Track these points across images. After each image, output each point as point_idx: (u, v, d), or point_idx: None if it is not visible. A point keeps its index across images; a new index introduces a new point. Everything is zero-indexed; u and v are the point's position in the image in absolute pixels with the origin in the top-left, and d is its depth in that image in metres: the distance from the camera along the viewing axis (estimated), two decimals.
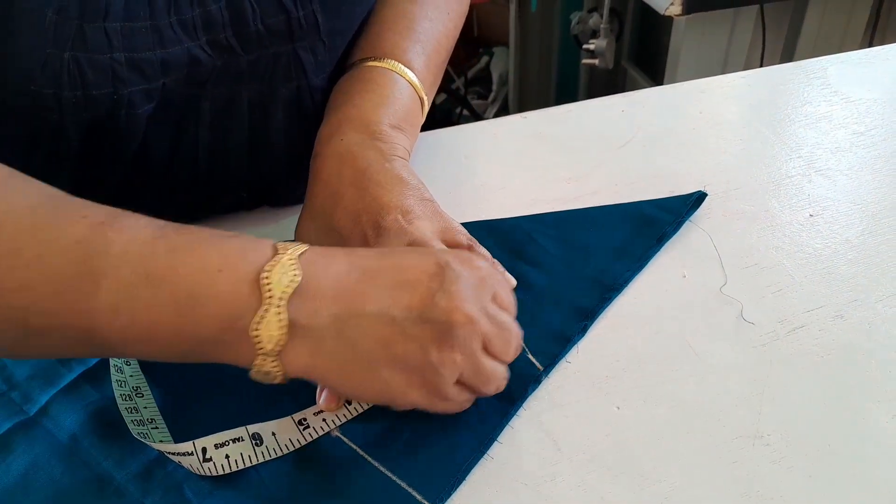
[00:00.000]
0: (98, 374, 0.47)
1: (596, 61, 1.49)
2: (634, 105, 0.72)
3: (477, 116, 2.05)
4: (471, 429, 0.44)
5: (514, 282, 0.47)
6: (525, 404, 0.45)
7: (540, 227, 0.57)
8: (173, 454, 0.42)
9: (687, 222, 0.57)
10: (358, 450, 0.43)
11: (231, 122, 0.52)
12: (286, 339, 0.37)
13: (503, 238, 0.56)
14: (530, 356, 0.47)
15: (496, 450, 0.43)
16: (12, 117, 0.44)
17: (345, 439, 0.43)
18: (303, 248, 0.39)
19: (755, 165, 0.63)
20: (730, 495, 0.40)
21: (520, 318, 0.49)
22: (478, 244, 0.48)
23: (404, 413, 0.44)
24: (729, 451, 0.42)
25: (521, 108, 2.01)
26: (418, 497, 0.40)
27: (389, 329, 0.38)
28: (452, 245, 0.46)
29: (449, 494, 0.41)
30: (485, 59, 2.16)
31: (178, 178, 0.54)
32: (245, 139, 0.54)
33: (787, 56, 1.40)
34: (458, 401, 0.42)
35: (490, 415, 0.44)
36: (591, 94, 1.80)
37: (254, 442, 0.43)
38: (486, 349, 0.40)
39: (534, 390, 0.46)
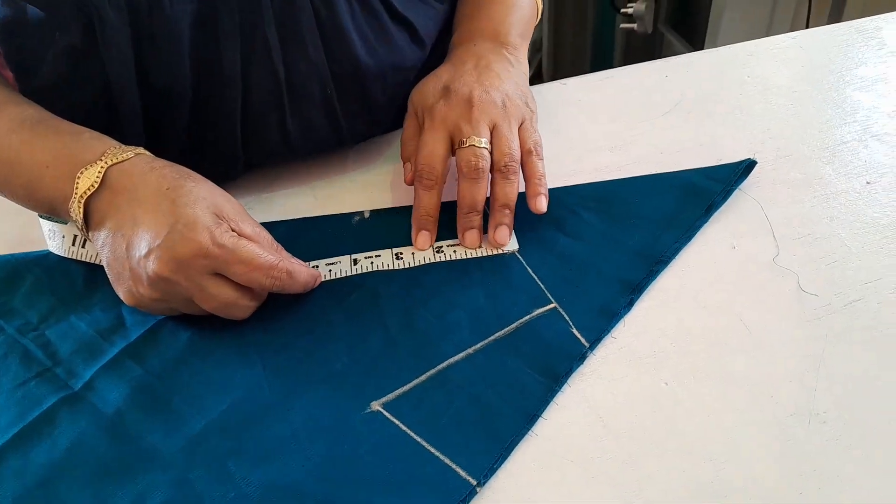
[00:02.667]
0: (139, 349, 0.47)
1: (634, 25, 1.44)
2: (678, 70, 0.69)
3: None
4: (515, 405, 0.43)
5: (263, 260, 0.46)
6: (570, 380, 0.44)
7: (581, 199, 0.56)
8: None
9: (735, 191, 0.55)
10: (401, 425, 0.42)
11: (296, 14, 0.52)
12: (86, 226, 0.47)
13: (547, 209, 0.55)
14: (575, 332, 0.46)
15: (541, 426, 0.42)
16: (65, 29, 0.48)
17: (387, 415, 0.43)
18: (125, 157, 0.47)
19: (807, 131, 0.60)
20: (784, 475, 0.39)
21: (563, 292, 0.48)
22: (538, 154, 0.54)
23: (448, 390, 0.44)
24: (783, 428, 0.41)
25: (555, 75, 1.97)
26: (462, 473, 0.40)
27: (120, 251, 0.46)
28: (520, 141, 0.53)
29: (494, 471, 0.40)
30: None
31: (256, 90, 0.54)
32: (314, 26, 0.53)
33: (835, 17, 1.34)
34: (198, 312, 0.47)
35: (535, 391, 0.43)
36: (628, 60, 1.76)
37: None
38: (198, 304, 0.46)
39: (579, 366, 0.45)
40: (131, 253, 0.45)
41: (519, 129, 0.54)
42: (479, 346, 0.46)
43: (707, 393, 0.43)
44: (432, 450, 0.41)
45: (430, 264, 0.52)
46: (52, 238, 0.53)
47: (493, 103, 0.53)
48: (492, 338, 0.46)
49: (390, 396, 0.44)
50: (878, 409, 0.41)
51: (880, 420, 0.41)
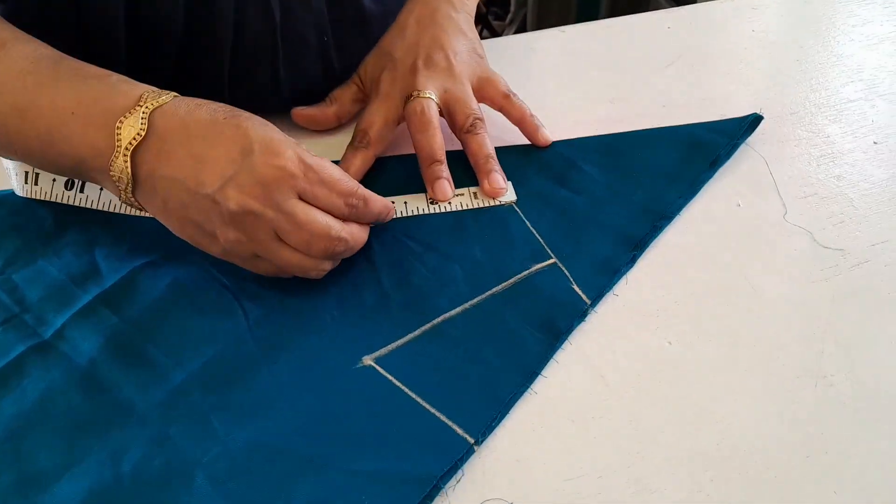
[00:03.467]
0: (115, 296, 0.44)
1: None
2: (681, 22, 0.67)
3: (495, 36, 1.96)
4: (514, 362, 0.41)
5: (346, 184, 0.43)
6: (570, 338, 0.42)
7: (582, 153, 0.53)
8: None
9: (741, 147, 0.53)
10: (394, 381, 0.40)
11: None
12: (132, 181, 0.41)
13: (542, 164, 0.53)
14: (576, 288, 0.44)
15: (541, 384, 0.40)
16: None
17: (380, 370, 0.41)
18: (164, 100, 0.41)
19: (813, 88, 0.59)
20: (791, 437, 0.38)
21: (563, 247, 0.46)
22: (515, 95, 0.54)
23: (443, 345, 0.42)
24: (789, 390, 0.40)
25: (539, 27, 1.92)
26: (459, 431, 0.38)
27: (186, 197, 0.41)
28: (488, 94, 0.53)
29: (492, 429, 0.39)
30: None
31: (251, 33, 0.51)
32: None
33: None
34: (267, 270, 0.43)
35: (534, 348, 0.42)
36: (614, 15, 1.72)
37: None
38: (284, 241, 0.41)
39: (579, 324, 0.43)
40: (202, 192, 0.40)
41: (478, 81, 0.53)
42: (475, 300, 0.44)
43: (711, 353, 0.41)
44: (428, 406, 0.39)
45: (424, 216, 0.49)
46: (14, 177, 0.49)
47: (437, 67, 0.52)
48: (489, 292, 0.44)
49: (383, 351, 0.42)
50: (884, 371, 0.40)
51: (887, 383, 0.40)
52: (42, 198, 0.49)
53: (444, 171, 0.50)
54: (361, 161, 0.51)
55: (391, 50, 0.53)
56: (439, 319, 0.43)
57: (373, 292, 0.45)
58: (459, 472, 0.37)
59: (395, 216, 0.49)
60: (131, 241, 0.47)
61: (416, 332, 0.43)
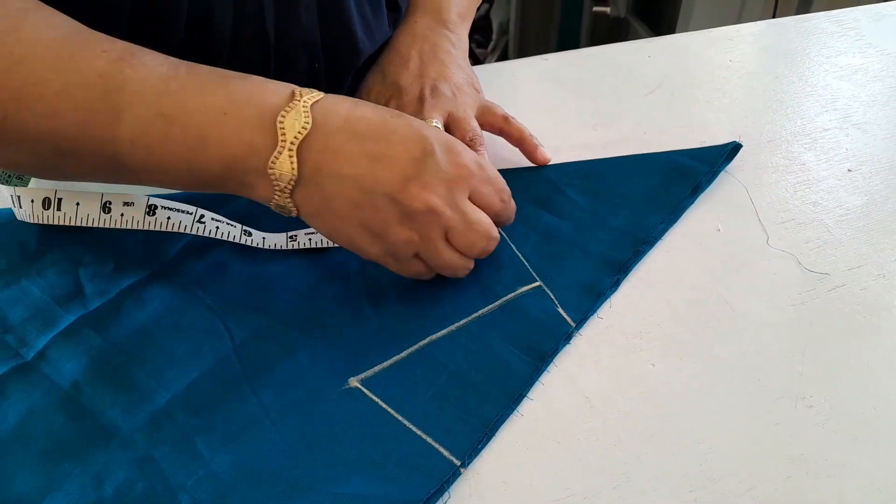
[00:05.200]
0: (99, 317, 0.44)
1: (607, 9, 1.44)
2: (661, 51, 0.68)
3: (478, 63, 1.99)
4: (500, 384, 0.41)
5: (500, 182, 0.45)
6: (556, 360, 0.43)
7: (566, 177, 0.54)
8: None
9: (720, 174, 0.54)
10: (380, 402, 0.40)
11: None
12: (294, 180, 0.40)
13: (527, 188, 0.53)
14: (561, 311, 0.45)
15: (527, 407, 0.41)
16: None
17: (366, 391, 0.41)
18: (317, 96, 0.41)
19: (789, 118, 0.60)
20: (772, 458, 0.38)
21: (547, 270, 0.47)
22: (513, 118, 0.55)
23: (429, 367, 0.42)
24: (770, 412, 0.40)
25: (521, 56, 1.95)
26: (446, 453, 0.38)
27: (359, 196, 0.40)
28: (487, 120, 0.55)
29: (478, 451, 0.39)
30: (485, 6, 2.09)
31: (245, 51, 0.51)
32: None
33: (804, 10, 1.36)
34: (417, 271, 0.44)
35: (519, 371, 0.42)
36: (593, 44, 1.75)
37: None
38: (450, 240, 0.42)
39: (564, 346, 0.43)
40: (379, 191, 0.39)
41: (479, 109, 0.55)
42: (461, 323, 0.44)
43: (694, 375, 0.42)
44: (414, 429, 0.39)
45: None
46: (17, 204, 0.49)
47: (443, 97, 0.53)
48: (475, 315, 0.45)
49: (369, 372, 0.42)
50: (862, 393, 0.41)
51: (865, 404, 0.40)
52: (68, 223, 0.47)
53: None
54: None
55: (397, 80, 0.55)
56: (425, 341, 0.43)
57: (358, 314, 0.45)
58: (446, 494, 0.37)
59: None
60: (116, 262, 0.47)
61: (403, 354, 0.43)
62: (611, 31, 1.71)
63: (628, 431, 0.39)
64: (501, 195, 0.44)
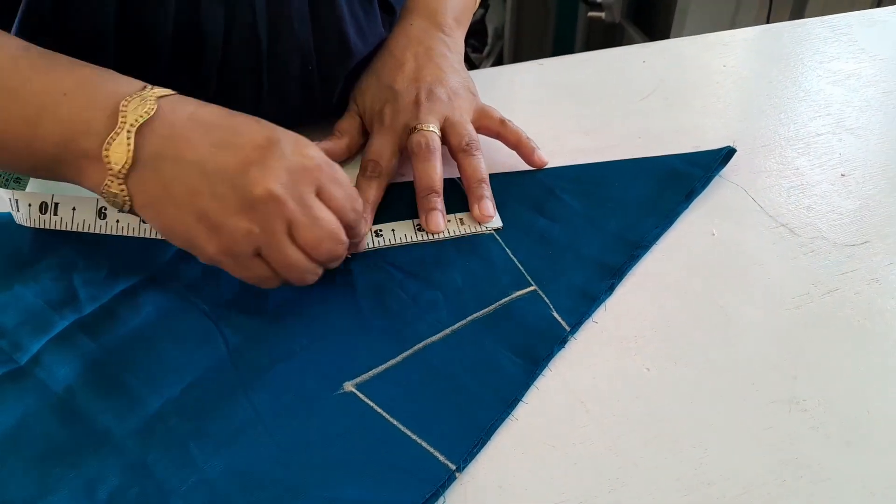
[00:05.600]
0: (93, 322, 0.44)
1: (602, 14, 1.44)
2: (655, 56, 0.69)
3: (473, 69, 1.99)
4: (495, 388, 0.41)
5: (352, 191, 0.43)
6: (551, 364, 0.43)
7: (560, 181, 0.54)
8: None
9: (714, 178, 0.54)
10: (375, 407, 0.40)
11: None
12: (130, 162, 0.39)
13: (522, 192, 0.53)
14: (556, 315, 0.45)
15: (522, 411, 0.41)
16: None
17: (361, 396, 0.41)
18: (169, 92, 0.41)
19: (783, 122, 0.60)
20: (766, 461, 0.38)
21: (542, 275, 0.47)
22: (510, 122, 0.55)
23: (424, 371, 0.42)
24: (764, 415, 0.40)
25: (516, 61, 1.95)
26: (441, 458, 0.38)
27: (200, 181, 0.39)
28: (484, 123, 0.55)
29: (473, 456, 0.39)
30: (480, 11, 2.10)
31: (236, 56, 0.51)
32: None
33: (797, 16, 1.36)
34: (259, 274, 0.41)
35: (514, 375, 0.42)
36: (588, 49, 1.75)
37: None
38: (294, 237, 0.40)
39: (559, 350, 0.43)
40: (221, 176, 0.39)
41: (475, 113, 0.55)
42: (456, 326, 0.44)
43: (689, 379, 0.42)
44: (409, 433, 0.39)
45: (405, 245, 0.50)
46: (15, 208, 0.49)
47: (439, 101, 0.53)
48: (470, 318, 0.45)
49: (364, 377, 0.42)
50: (856, 397, 0.41)
51: (858, 408, 0.40)
52: (64, 228, 0.48)
53: (440, 203, 0.51)
54: (377, 190, 0.52)
55: (392, 83, 0.55)
56: (420, 346, 0.43)
57: (354, 318, 0.45)
58: (441, 498, 0.37)
59: (382, 244, 0.49)
60: (110, 267, 0.47)
61: (398, 359, 0.43)
62: (605, 37, 1.71)
63: (623, 435, 0.39)
64: (353, 204, 0.43)
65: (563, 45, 1.92)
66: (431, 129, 0.52)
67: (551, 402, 0.41)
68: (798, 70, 0.66)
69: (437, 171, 0.51)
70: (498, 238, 0.50)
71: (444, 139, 0.53)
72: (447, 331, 0.44)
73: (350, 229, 0.43)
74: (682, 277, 0.48)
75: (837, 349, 0.43)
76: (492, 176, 0.55)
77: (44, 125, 0.40)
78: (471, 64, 2.00)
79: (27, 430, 0.39)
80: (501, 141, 0.56)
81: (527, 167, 0.55)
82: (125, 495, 0.36)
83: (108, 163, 0.39)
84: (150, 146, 0.39)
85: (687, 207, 0.52)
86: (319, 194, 0.41)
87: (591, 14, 1.50)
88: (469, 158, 0.52)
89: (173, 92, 0.42)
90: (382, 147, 0.53)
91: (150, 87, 0.41)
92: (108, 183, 0.40)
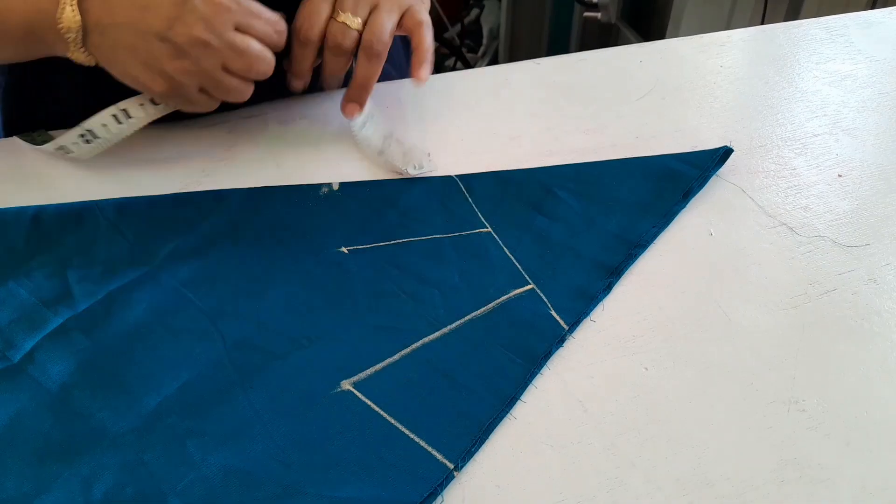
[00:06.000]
0: (88, 319, 0.44)
1: (598, 15, 1.44)
2: (653, 56, 0.68)
3: (468, 68, 1.99)
4: (493, 387, 0.41)
5: (270, 16, 0.50)
6: (549, 363, 0.43)
7: (558, 180, 0.54)
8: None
9: (712, 178, 0.54)
10: (373, 405, 0.40)
11: None
12: (81, 30, 0.47)
13: (519, 190, 0.53)
14: (554, 314, 0.45)
15: (520, 410, 0.41)
16: None
17: (358, 394, 0.41)
18: None
19: (779, 123, 0.60)
20: (766, 462, 0.38)
21: (540, 273, 0.47)
22: (427, 31, 0.54)
23: (422, 370, 0.42)
24: (763, 416, 0.40)
25: (512, 61, 1.95)
26: (439, 457, 0.38)
27: (135, 40, 0.47)
28: (404, 22, 0.54)
29: (471, 455, 0.38)
30: (475, 11, 2.10)
31: None
32: None
33: (792, 17, 1.37)
34: (204, 104, 0.50)
35: (512, 373, 0.42)
36: (583, 49, 1.75)
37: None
38: (227, 68, 0.48)
39: (558, 349, 0.43)
40: (150, 32, 0.46)
41: (405, 14, 0.54)
42: (454, 325, 0.44)
43: (687, 379, 0.42)
44: (407, 432, 0.39)
45: (403, 243, 0.49)
46: (68, 150, 0.54)
47: None
48: (467, 317, 0.45)
49: (361, 375, 0.42)
50: (854, 396, 0.41)
51: (857, 408, 0.40)
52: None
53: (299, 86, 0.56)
54: (311, 57, 0.54)
55: None
56: (418, 344, 0.43)
57: (351, 317, 0.45)
58: (439, 497, 0.37)
59: None
60: (105, 263, 0.47)
61: (395, 357, 0.42)
62: (600, 38, 1.72)
63: (622, 435, 0.39)
64: (276, 27, 0.49)
65: (558, 46, 1.92)
66: (354, 25, 0.52)
67: (550, 401, 0.41)
68: (794, 71, 0.67)
69: (343, 66, 0.54)
70: (496, 236, 0.50)
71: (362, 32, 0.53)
72: (445, 329, 0.44)
73: (277, 47, 0.50)
74: (680, 277, 0.48)
75: (835, 349, 0.43)
76: (490, 174, 0.55)
77: (5, 14, 0.47)
78: (466, 63, 2.00)
79: (21, 429, 0.39)
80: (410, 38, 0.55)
81: (521, 165, 0.55)
82: (121, 493, 0.36)
83: (66, 32, 0.46)
84: (92, 14, 0.46)
85: (684, 207, 0.52)
86: (240, 28, 0.47)
87: (586, 14, 1.50)
88: (366, 62, 0.53)
89: None
90: (313, 12, 0.52)
91: None
92: (72, 51, 0.48)
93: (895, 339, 0.44)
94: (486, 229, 0.50)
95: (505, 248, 0.49)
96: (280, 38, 0.50)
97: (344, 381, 0.41)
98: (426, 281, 0.47)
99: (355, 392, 0.41)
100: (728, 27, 1.33)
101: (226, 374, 0.41)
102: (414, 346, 0.43)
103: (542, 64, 0.67)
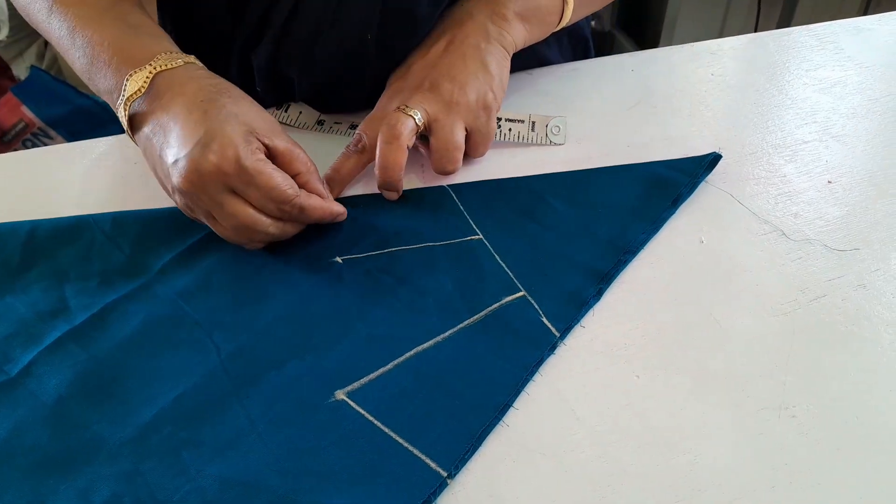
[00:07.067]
0: (84, 332, 0.44)
1: (593, 23, 1.45)
2: (644, 65, 0.69)
3: None
4: (486, 395, 0.41)
5: (276, 183, 0.46)
6: (541, 371, 0.43)
7: (550, 187, 0.55)
8: None
9: (703, 186, 0.55)
10: (367, 415, 0.41)
11: None
12: (129, 126, 0.49)
13: (510, 198, 0.54)
14: (545, 321, 0.45)
15: (513, 417, 0.41)
16: None
17: (352, 404, 0.41)
18: (170, 66, 0.48)
19: (770, 130, 0.61)
20: (757, 468, 0.38)
21: (532, 280, 0.47)
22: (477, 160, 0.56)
23: (415, 378, 0.42)
24: (755, 422, 0.41)
25: None
26: (432, 465, 0.38)
27: (154, 157, 0.47)
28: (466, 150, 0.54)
29: (464, 462, 0.39)
30: None
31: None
32: None
33: (785, 24, 1.38)
34: (233, 237, 0.48)
35: (505, 380, 0.42)
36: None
37: None
38: (250, 202, 0.46)
39: (549, 356, 0.44)
40: (163, 160, 0.46)
41: (470, 131, 0.54)
42: (447, 334, 0.45)
43: (678, 386, 0.42)
44: (400, 440, 0.39)
45: (394, 252, 0.50)
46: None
47: (440, 95, 0.52)
48: (461, 325, 0.45)
49: (355, 385, 0.42)
50: (844, 402, 0.41)
51: (848, 413, 0.41)
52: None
53: (393, 196, 0.53)
54: (353, 165, 0.53)
55: (412, 61, 0.55)
56: (411, 353, 0.43)
57: (345, 326, 0.45)
58: None
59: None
60: (101, 276, 0.47)
61: (389, 366, 0.43)
62: (596, 45, 1.73)
63: (614, 443, 0.40)
64: (281, 205, 0.46)
65: None
66: (412, 113, 0.51)
67: (542, 409, 0.41)
68: (785, 78, 0.67)
69: (394, 157, 0.50)
70: (487, 244, 0.50)
71: (428, 135, 0.53)
72: (438, 338, 0.44)
73: (288, 220, 0.48)
74: (671, 284, 0.48)
75: (826, 355, 0.44)
76: (482, 182, 0.55)
77: (95, 74, 0.50)
78: None
79: (19, 441, 0.39)
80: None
81: (513, 174, 0.56)
82: None
83: (123, 125, 0.48)
84: (137, 116, 0.48)
85: (674, 213, 0.52)
86: (236, 192, 0.45)
87: None
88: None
89: (186, 61, 0.49)
90: (372, 121, 0.53)
91: (162, 56, 0.48)
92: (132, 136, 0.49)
93: (885, 345, 0.44)
94: (477, 236, 0.51)
95: (496, 255, 0.49)
96: (288, 216, 0.47)
97: (338, 391, 0.42)
98: (419, 289, 0.47)
99: (349, 402, 0.41)
100: (722, 34, 1.34)
101: (221, 384, 0.42)
102: (407, 354, 0.43)
103: (535, 73, 0.68)
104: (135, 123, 0.48)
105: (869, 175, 0.56)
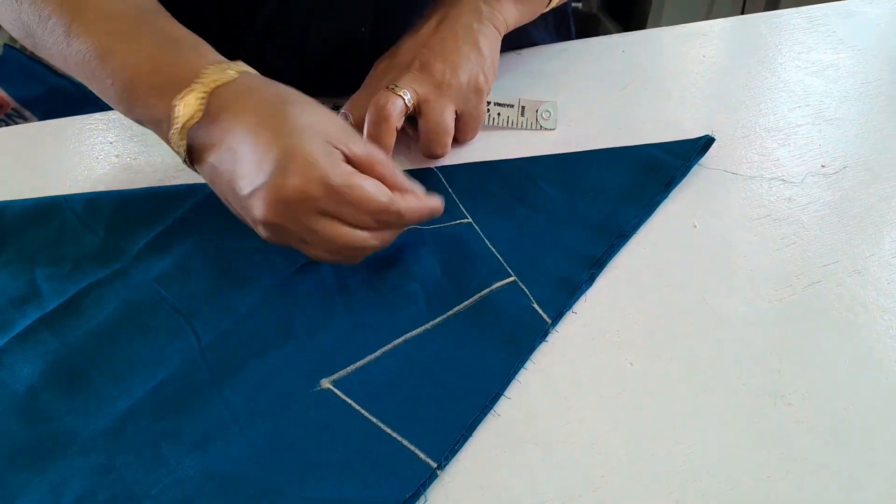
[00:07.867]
0: (57, 319, 0.42)
1: (579, 5, 1.43)
2: (635, 46, 0.68)
3: None
4: (476, 384, 0.40)
5: (377, 206, 0.41)
6: (532, 358, 0.42)
7: (541, 170, 0.53)
8: None
9: (695, 169, 0.54)
10: (353, 404, 0.39)
11: None
12: (188, 156, 0.43)
13: (501, 180, 0.52)
14: (536, 307, 0.44)
15: (504, 406, 0.40)
16: None
17: (338, 393, 0.40)
18: (222, 80, 0.41)
19: (762, 113, 0.60)
20: (753, 456, 0.38)
21: (522, 265, 0.46)
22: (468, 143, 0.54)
23: (404, 366, 0.41)
24: (750, 410, 0.40)
25: None
26: (422, 456, 0.37)
27: (225, 188, 0.42)
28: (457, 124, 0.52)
29: (455, 453, 0.38)
30: None
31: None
32: None
33: (772, 7, 1.37)
34: (330, 259, 0.43)
35: (495, 369, 0.41)
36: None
37: None
38: (344, 220, 0.41)
39: (541, 343, 0.43)
40: (236, 193, 0.40)
41: (460, 114, 0.53)
42: (436, 320, 0.43)
43: (672, 373, 0.41)
44: (389, 430, 0.38)
45: None
46: None
47: (430, 75, 0.51)
48: (450, 312, 0.44)
49: (342, 373, 0.40)
50: (840, 389, 0.41)
51: (843, 401, 0.40)
52: None
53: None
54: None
55: (403, 41, 0.54)
56: (400, 340, 0.42)
57: (330, 313, 0.43)
58: (423, 497, 0.36)
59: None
60: (74, 260, 0.45)
61: (377, 354, 0.41)
62: (581, 27, 1.71)
63: (607, 432, 0.39)
64: (378, 216, 0.41)
65: None
66: (402, 93, 0.49)
67: (533, 398, 0.40)
68: (777, 61, 0.66)
69: (382, 139, 0.48)
70: (476, 228, 0.49)
71: (417, 116, 0.51)
72: (427, 325, 0.43)
73: (387, 228, 0.43)
74: (664, 270, 0.47)
75: (821, 341, 0.43)
76: (471, 165, 0.54)
77: (131, 102, 0.44)
78: None
79: None
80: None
81: (503, 156, 0.54)
82: (93, 499, 0.35)
83: (177, 151, 0.43)
84: (198, 142, 0.42)
85: (666, 197, 0.51)
86: (328, 214, 0.40)
87: None
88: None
89: (234, 75, 0.42)
90: (360, 101, 0.51)
91: (208, 70, 0.42)
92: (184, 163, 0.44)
93: (880, 331, 0.44)
94: (466, 220, 0.49)
95: (486, 239, 0.48)
96: (386, 225, 0.42)
97: (324, 380, 0.40)
98: (408, 275, 0.46)
99: (335, 390, 0.40)
100: (709, 16, 1.33)
101: (200, 373, 0.40)
102: (395, 342, 0.42)
103: (524, 54, 0.66)
104: (194, 153, 0.42)
105: (863, 159, 0.55)
